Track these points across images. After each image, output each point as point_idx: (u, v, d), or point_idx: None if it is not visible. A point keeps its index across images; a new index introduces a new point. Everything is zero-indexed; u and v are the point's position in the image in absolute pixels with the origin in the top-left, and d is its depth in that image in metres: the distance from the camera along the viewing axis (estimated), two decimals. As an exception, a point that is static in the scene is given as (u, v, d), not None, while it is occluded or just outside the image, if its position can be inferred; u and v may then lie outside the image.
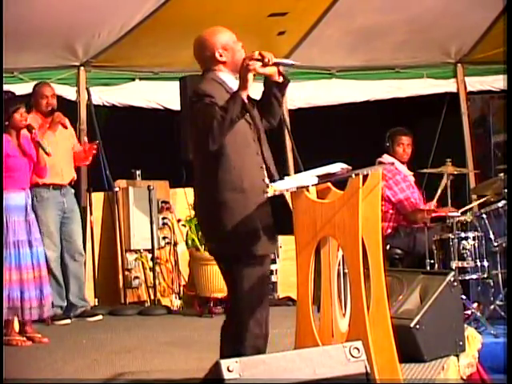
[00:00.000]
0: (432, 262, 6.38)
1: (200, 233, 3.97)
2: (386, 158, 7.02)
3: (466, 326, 5.16)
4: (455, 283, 4.88)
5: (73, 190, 7.04)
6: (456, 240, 6.26)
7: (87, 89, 7.88)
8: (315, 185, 3.96)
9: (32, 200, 6.23)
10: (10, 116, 5.88)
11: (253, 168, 4.01)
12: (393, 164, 6.80)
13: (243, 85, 3.92)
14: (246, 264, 3.93)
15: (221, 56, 4.08)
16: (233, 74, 4.10)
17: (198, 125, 3.94)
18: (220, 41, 4.10)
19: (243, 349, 3.85)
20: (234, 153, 3.95)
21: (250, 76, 3.92)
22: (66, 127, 6.85)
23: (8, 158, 5.83)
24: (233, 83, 4.06)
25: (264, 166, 4.05)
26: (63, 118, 6.81)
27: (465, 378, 4.82)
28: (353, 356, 3.34)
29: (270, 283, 4.21)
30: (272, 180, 4.01)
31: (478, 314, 6.06)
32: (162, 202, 7.79)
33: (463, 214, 6.54)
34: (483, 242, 6.34)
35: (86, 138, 7.32)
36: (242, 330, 3.92)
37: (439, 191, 6.65)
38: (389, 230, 6.88)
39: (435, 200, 6.79)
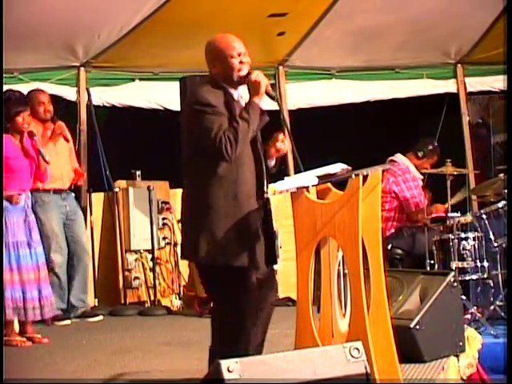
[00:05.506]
0: (432, 262, 6.38)
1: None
2: (399, 157, 7.03)
3: (465, 326, 5.17)
4: (455, 284, 4.88)
5: (73, 194, 7.04)
6: (456, 240, 6.26)
7: (87, 89, 7.88)
8: (315, 185, 3.97)
9: (33, 205, 6.21)
10: (11, 118, 5.86)
11: (249, 176, 3.95)
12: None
13: (257, 92, 3.90)
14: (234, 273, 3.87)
15: (213, 67, 4.00)
16: (227, 85, 3.98)
17: (203, 133, 3.83)
18: (215, 52, 3.99)
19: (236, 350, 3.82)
20: (233, 162, 3.88)
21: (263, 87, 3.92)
22: (67, 140, 6.84)
23: (8, 160, 5.81)
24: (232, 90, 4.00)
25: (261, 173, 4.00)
26: (65, 129, 6.80)
27: (465, 378, 4.82)
28: (353, 356, 3.34)
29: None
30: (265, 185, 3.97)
31: (478, 314, 6.06)
32: (162, 203, 7.79)
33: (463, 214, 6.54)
34: (483, 242, 6.34)
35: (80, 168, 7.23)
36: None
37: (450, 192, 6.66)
38: (392, 230, 6.88)
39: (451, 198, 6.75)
